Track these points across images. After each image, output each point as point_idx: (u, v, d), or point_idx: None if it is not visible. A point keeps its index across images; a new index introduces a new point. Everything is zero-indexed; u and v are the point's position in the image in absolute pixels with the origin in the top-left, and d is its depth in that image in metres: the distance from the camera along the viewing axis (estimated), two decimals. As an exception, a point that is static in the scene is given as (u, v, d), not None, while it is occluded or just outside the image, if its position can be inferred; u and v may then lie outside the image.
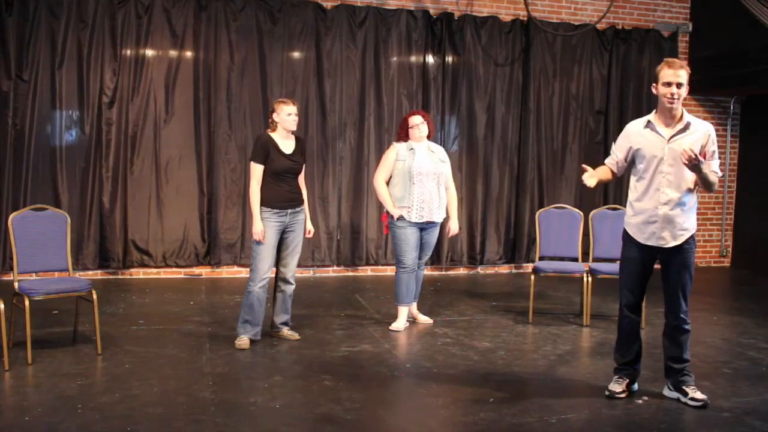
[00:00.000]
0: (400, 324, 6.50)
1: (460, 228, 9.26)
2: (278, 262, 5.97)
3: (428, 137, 6.56)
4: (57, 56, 8.38)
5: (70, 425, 4.07)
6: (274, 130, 5.88)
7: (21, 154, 8.29)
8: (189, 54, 8.82)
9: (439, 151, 6.57)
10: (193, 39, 8.80)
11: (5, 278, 7.91)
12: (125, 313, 6.85)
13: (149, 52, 8.69)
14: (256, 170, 5.80)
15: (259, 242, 5.74)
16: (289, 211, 5.86)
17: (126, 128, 8.60)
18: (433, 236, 6.56)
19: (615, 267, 6.86)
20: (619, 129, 10.02)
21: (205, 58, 8.82)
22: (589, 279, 6.72)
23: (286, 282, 6.02)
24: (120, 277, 8.68)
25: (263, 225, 5.75)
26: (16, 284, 5.36)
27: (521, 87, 9.92)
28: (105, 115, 8.53)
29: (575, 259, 7.06)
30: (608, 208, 7.34)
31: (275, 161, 5.79)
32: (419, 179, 6.35)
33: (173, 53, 8.77)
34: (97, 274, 8.52)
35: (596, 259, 7.01)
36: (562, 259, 7.14)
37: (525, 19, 9.79)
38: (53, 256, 5.64)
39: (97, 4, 8.46)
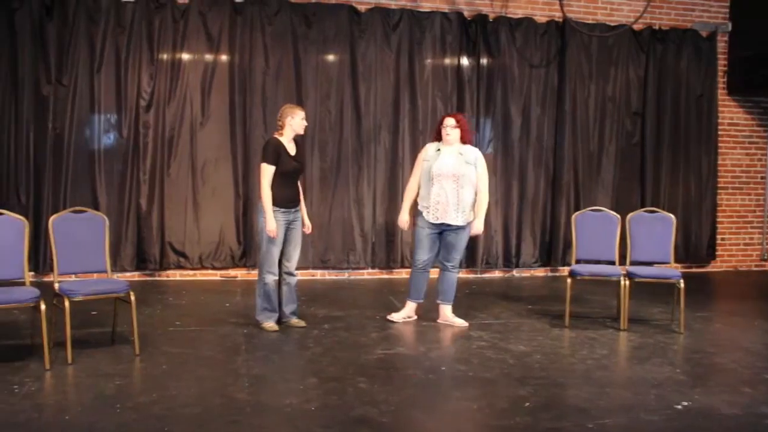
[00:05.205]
0: (397, 315, 6.77)
1: (495, 230, 9.29)
2: (282, 256, 6.30)
3: (464, 142, 6.54)
4: (95, 61, 8.52)
5: (108, 424, 4.11)
6: (281, 134, 6.23)
7: (60, 158, 8.44)
8: (224, 58, 8.89)
9: (469, 153, 6.52)
10: (229, 43, 8.88)
11: (46, 279, 8.03)
12: (162, 315, 6.92)
13: (185, 56, 8.79)
14: (269, 171, 6.13)
15: (271, 238, 6.07)
16: (293, 209, 6.28)
17: (163, 131, 8.71)
18: (454, 238, 6.52)
19: (653, 270, 6.81)
20: (657, 131, 10.09)
21: (241, 62, 8.89)
22: (627, 283, 6.63)
23: (290, 274, 6.41)
24: (157, 278, 8.78)
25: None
26: (56, 285, 5.44)
27: (557, 89, 9.85)
28: (142, 118, 8.64)
29: (612, 263, 6.96)
30: (646, 211, 7.25)
31: (285, 163, 6.16)
32: (438, 180, 6.43)
33: (209, 57, 8.86)
34: (135, 276, 8.63)
35: (634, 263, 6.92)
36: (598, 262, 7.05)
37: (560, 20, 9.72)
38: (92, 258, 5.71)
39: (135, 9, 8.57)
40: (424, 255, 6.59)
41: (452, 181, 6.41)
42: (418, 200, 6.61)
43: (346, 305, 7.53)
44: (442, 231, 6.52)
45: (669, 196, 10.22)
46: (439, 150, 6.53)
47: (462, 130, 6.55)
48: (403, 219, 6.74)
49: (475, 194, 6.52)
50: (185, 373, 5.10)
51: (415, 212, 6.69)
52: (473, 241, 9.32)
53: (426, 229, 6.52)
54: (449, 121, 6.52)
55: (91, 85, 8.53)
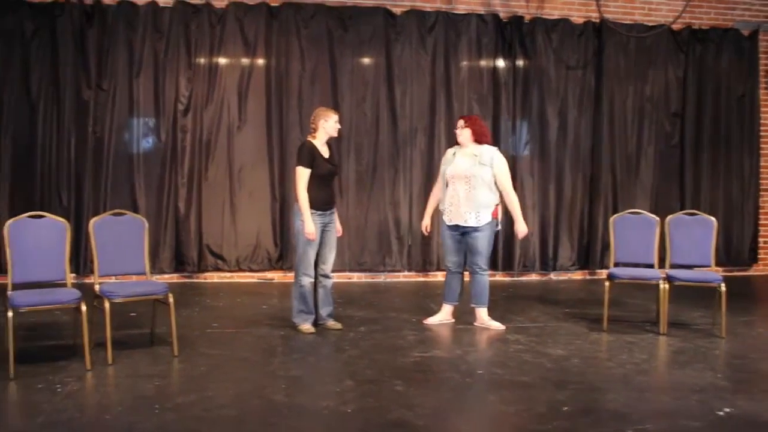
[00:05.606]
0: (433, 319, 6.80)
1: (532, 233, 9.20)
2: (318, 258, 6.30)
3: (480, 142, 6.55)
4: (134, 66, 8.65)
5: (148, 425, 4.15)
6: (314, 137, 6.26)
7: (100, 161, 8.58)
8: (261, 61, 8.97)
9: (485, 153, 6.52)
10: (265, 47, 8.95)
11: (87, 281, 8.15)
12: (200, 316, 6.99)
13: (222, 61, 8.88)
14: (305, 174, 6.14)
15: (309, 241, 6.08)
16: (328, 212, 6.29)
17: (200, 135, 8.81)
18: (473, 240, 6.51)
19: (693, 274, 6.70)
20: (697, 132, 9.92)
21: (277, 66, 8.95)
22: (666, 286, 6.53)
23: (326, 277, 6.42)
24: (195, 280, 8.87)
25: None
26: (96, 287, 5.53)
27: (594, 90, 9.75)
28: (180, 122, 8.75)
29: (651, 266, 6.86)
30: (685, 214, 7.13)
31: (320, 166, 6.19)
32: (452, 182, 6.54)
33: (245, 61, 8.94)
34: (173, 278, 8.72)
35: (673, 266, 6.82)
36: (637, 265, 6.96)
37: (597, 20, 9.62)
38: (131, 260, 5.78)
39: (172, 15, 8.69)
40: (451, 257, 6.69)
41: (464, 182, 6.47)
42: (440, 204, 6.74)
43: (383, 308, 7.53)
44: (463, 233, 6.54)
45: (709, 199, 10.06)
46: (454, 153, 6.66)
47: (473, 131, 6.57)
48: (423, 223, 6.94)
49: (494, 195, 6.51)
50: (223, 375, 5.14)
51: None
52: (510, 243, 9.30)
53: (447, 231, 6.65)
54: (458, 123, 6.69)
55: (130, 90, 8.66)
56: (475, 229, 6.47)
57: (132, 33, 8.65)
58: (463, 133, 6.59)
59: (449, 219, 6.57)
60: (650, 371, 5.49)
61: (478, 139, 6.58)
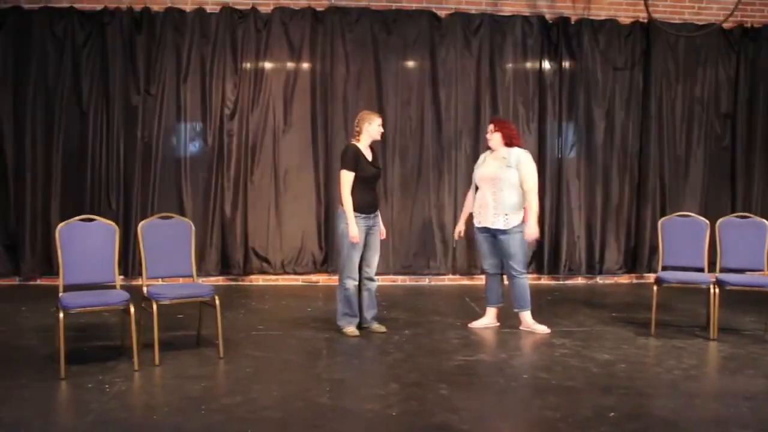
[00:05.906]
0: (477, 322, 6.80)
1: (578, 236, 9.11)
2: (362, 261, 6.34)
3: (510, 145, 6.52)
4: (182, 71, 8.78)
5: (194, 425, 4.21)
6: (358, 141, 6.30)
7: (149, 165, 8.73)
8: (306, 65, 9.02)
9: (511, 156, 6.48)
10: (310, 51, 9.01)
11: (135, 283, 8.29)
12: (245, 319, 7.06)
13: (268, 65, 8.96)
14: (349, 177, 6.19)
15: (353, 244, 6.12)
16: (372, 215, 6.33)
17: (246, 139, 8.89)
18: (502, 243, 6.49)
19: (745, 278, 6.55)
20: (749, 133, 9.69)
21: (322, 70, 9.00)
22: (717, 290, 6.39)
23: (371, 279, 6.46)
24: (240, 283, 8.95)
25: None
26: (144, 289, 5.62)
27: (642, 91, 9.58)
28: (226, 126, 8.85)
29: (701, 270, 6.73)
30: (737, 216, 6.97)
31: (365, 169, 6.23)
32: (481, 185, 6.58)
33: (291, 65, 9.00)
34: (219, 280, 8.81)
35: (724, 270, 6.67)
36: (686, 269, 6.82)
37: (645, 20, 9.46)
38: (178, 263, 5.87)
39: (219, 20, 8.79)
40: (486, 259, 6.74)
41: (491, 185, 6.47)
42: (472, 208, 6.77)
43: (427, 311, 7.52)
44: (494, 235, 6.53)
45: (762, 201, 9.81)
46: (486, 158, 6.68)
47: (503, 134, 6.55)
48: (456, 229, 6.98)
49: (522, 197, 6.46)
50: (268, 377, 5.18)
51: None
52: (556, 246, 9.21)
53: (478, 234, 6.67)
54: (488, 127, 6.72)
55: (178, 95, 8.80)
56: (504, 232, 6.44)
57: (179, 39, 8.78)
58: (494, 138, 6.58)
59: (479, 222, 6.59)
60: (700, 377, 5.38)
61: (508, 142, 6.54)
